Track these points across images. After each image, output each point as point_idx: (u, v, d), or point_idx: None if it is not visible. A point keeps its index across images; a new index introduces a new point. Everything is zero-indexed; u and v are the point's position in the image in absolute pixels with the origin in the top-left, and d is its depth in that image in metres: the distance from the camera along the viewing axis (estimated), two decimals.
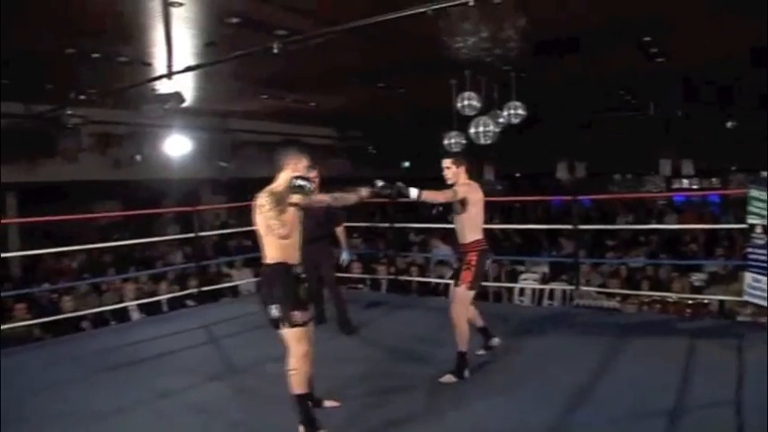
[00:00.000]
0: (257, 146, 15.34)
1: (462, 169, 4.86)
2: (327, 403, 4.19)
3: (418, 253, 11.43)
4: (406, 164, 20.98)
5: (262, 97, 11.53)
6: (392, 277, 8.99)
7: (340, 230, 6.47)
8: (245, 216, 6.82)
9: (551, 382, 4.53)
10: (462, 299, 4.74)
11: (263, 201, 3.69)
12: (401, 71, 9.68)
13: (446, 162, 4.88)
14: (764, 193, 5.33)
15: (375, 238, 13.34)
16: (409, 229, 12.92)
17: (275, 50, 5.61)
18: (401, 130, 17.00)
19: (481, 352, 5.05)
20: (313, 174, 4.48)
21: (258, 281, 3.86)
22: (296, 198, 3.72)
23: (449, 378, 4.62)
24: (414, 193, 4.41)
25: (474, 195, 4.77)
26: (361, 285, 9.29)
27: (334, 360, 5.00)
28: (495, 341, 5.15)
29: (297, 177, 3.72)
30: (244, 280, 9.57)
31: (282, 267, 3.74)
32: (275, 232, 3.65)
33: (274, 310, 3.67)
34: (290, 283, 3.74)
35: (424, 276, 9.48)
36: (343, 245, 6.51)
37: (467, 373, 4.67)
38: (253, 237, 7.18)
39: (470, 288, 4.72)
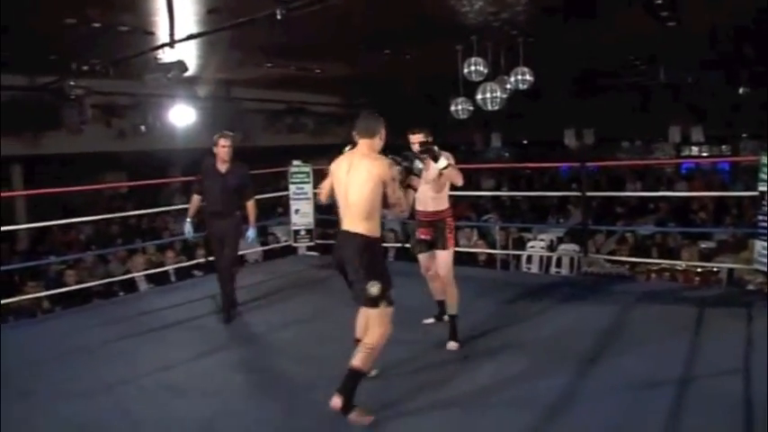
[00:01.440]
0: (262, 114, 15.28)
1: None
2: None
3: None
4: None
5: (266, 65, 11.41)
6: (399, 245, 9.00)
7: (251, 205, 6.06)
8: (257, 183, 6.82)
9: (559, 350, 4.55)
10: (450, 261, 4.83)
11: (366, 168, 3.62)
12: (407, 37, 9.55)
13: (419, 137, 4.79)
14: None
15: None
16: None
17: (278, 17, 5.52)
18: (408, 96, 16.84)
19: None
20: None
21: (339, 248, 3.68)
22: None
23: (453, 345, 4.70)
24: (442, 162, 4.53)
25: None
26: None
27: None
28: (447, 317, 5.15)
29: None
30: (250, 249, 9.60)
31: (380, 242, 3.72)
32: (391, 202, 3.62)
33: (374, 288, 3.53)
34: (385, 260, 3.84)
35: None
36: (251, 222, 6.12)
37: (455, 343, 4.77)
38: (263, 205, 7.07)
39: (452, 248, 4.87)
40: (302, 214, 8.66)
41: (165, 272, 8.50)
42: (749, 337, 4.62)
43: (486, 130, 18.83)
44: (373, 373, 3.98)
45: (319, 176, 8.94)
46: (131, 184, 13.54)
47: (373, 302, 3.55)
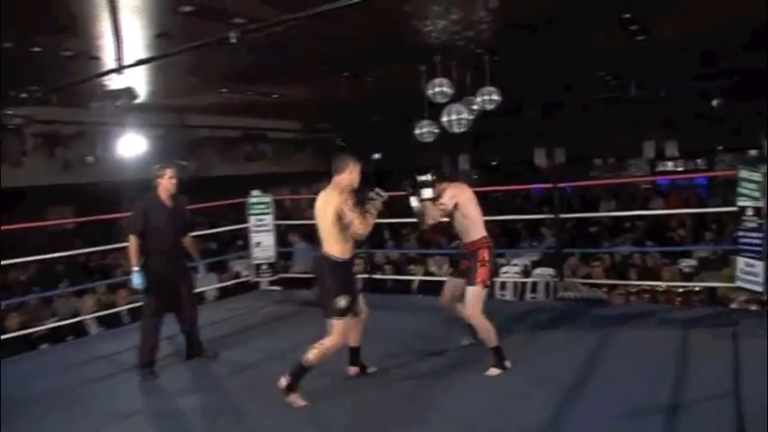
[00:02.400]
0: (218, 142, 15.19)
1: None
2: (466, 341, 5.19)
3: (393, 249, 11.39)
4: (377, 155, 20.94)
5: (220, 91, 11.37)
6: (367, 276, 8.93)
7: (190, 240, 5.79)
8: (212, 216, 6.68)
9: (540, 380, 4.51)
10: (477, 298, 4.83)
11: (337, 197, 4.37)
12: (368, 58, 9.60)
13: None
14: (755, 174, 5.36)
15: None
16: (383, 224, 12.88)
17: (233, 40, 5.49)
18: (370, 120, 16.91)
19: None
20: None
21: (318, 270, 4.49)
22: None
23: (494, 372, 4.72)
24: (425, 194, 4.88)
25: (463, 195, 5.00)
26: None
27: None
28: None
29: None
30: (210, 286, 9.42)
31: (348, 263, 4.46)
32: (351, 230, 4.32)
33: (342, 302, 4.28)
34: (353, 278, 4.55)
35: (400, 274, 9.45)
36: (194, 256, 5.88)
37: (508, 363, 4.77)
38: (220, 239, 7.02)
39: (485, 286, 4.85)
40: (263, 247, 8.55)
41: (117, 313, 8.29)
42: (737, 357, 4.65)
43: (453, 153, 18.98)
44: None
45: (280, 207, 8.86)
46: (78, 219, 13.25)
47: (340, 314, 4.29)
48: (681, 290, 7.69)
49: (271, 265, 8.56)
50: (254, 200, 8.63)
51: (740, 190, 5.56)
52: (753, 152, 16.16)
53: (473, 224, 4.96)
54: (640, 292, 7.88)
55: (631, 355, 4.87)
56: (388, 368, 5.01)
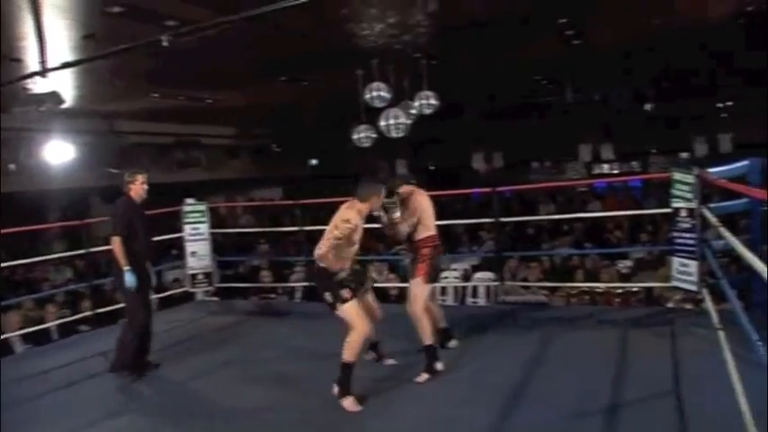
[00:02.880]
0: (149, 149, 14.84)
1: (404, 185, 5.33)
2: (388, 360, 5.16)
3: None
4: (313, 162, 20.87)
5: (152, 95, 11.11)
6: (307, 284, 8.86)
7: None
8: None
9: (481, 384, 4.55)
10: (418, 292, 4.96)
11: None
12: (304, 62, 9.54)
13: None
14: (687, 176, 5.55)
15: (285, 243, 13.15)
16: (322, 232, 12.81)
17: (165, 43, 5.37)
18: (306, 125, 16.83)
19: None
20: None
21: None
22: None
23: (423, 377, 4.74)
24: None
25: (423, 201, 5.27)
26: (273, 295, 9.13)
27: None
28: (453, 343, 5.39)
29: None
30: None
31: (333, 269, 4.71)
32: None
33: (328, 297, 4.59)
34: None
35: None
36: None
37: (439, 366, 4.83)
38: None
39: (426, 281, 4.98)
40: (199, 257, 8.38)
41: (46, 329, 7.99)
42: (675, 356, 4.79)
43: (391, 158, 19.06)
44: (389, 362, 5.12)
45: (216, 215, 8.71)
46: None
47: (332, 306, 4.59)
48: (619, 291, 7.90)
49: (207, 275, 8.40)
50: (188, 208, 8.46)
51: (674, 192, 5.74)
52: (684, 155, 16.77)
53: (425, 226, 5.15)
54: (580, 294, 8.06)
55: (572, 357, 4.96)
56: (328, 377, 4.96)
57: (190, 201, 8.51)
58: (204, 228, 8.39)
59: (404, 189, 5.25)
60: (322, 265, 4.63)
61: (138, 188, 5.64)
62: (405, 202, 5.18)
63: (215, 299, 8.72)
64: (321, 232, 4.61)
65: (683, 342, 5.08)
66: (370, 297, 4.99)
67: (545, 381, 4.55)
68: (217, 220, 10.16)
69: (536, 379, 4.60)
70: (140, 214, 5.64)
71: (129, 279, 5.40)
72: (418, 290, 4.99)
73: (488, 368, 4.90)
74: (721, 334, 4.33)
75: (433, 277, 5.09)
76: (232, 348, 6.12)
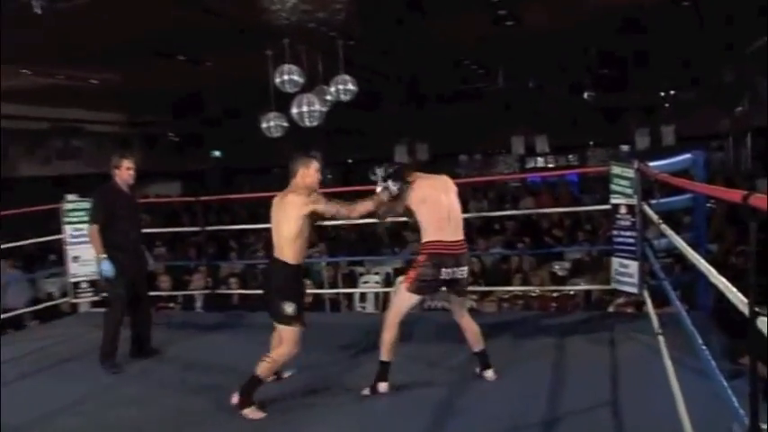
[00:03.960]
0: (21, 136, 14.27)
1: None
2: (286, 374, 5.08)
3: (238, 261, 11.18)
4: (217, 153, 20.56)
5: (24, 72, 10.66)
6: (209, 291, 8.69)
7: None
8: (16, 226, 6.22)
9: (411, 399, 4.55)
10: (396, 300, 4.86)
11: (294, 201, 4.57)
12: (206, 40, 9.37)
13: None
14: (627, 170, 5.70)
15: (184, 245, 12.87)
16: (227, 232, 12.63)
17: (37, 10, 5.15)
18: (209, 111, 16.54)
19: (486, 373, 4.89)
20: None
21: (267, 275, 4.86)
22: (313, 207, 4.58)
23: (367, 391, 4.66)
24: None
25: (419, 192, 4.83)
26: (172, 304, 8.91)
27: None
28: (490, 374, 4.87)
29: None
30: (22, 309, 8.79)
31: (300, 268, 4.70)
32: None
33: (289, 308, 4.49)
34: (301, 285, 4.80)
35: (247, 288, 9.28)
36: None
37: (382, 387, 4.67)
38: (25, 254, 6.54)
39: (409, 289, 4.72)
40: (83, 262, 8.06)
41: None
42: (614, 363, 4.91)
43: (304, 149, 18.92)
44: (287, 374, 5.05)
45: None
46: None
47: (287, 321, 4.51)
48: (555, 294, 8.07)
49: (92, 284, 8.11)
50: (69, 206, 8.13)
51: (613, 187, 5.89)
52: (625, 147, 17.35)
53: (422, 228, 4.85)
54: (513, 299, 8.19)
55: (505, 366, 5.01)
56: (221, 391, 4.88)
57: (71, 197, 8.20)
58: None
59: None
60: (289, 261, 4.58)
61: (123, 174, 5.92)
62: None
63: (102, 310, 8.44)
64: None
65: (622, 349, 5.22)
66: None
67: (477, 392, 4.59)
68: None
69: (467, 390, 4.64)
70: (126, 201, 5.95)
71: (105, 268, 5.72)
72: (397, 297, 4.90)
73: (416, 380, 4.90)
74: (662, 339, 4.47)
75: (420, 288, 4.73)
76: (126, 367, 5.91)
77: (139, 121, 17.26)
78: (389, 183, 4.74)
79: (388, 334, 4.70)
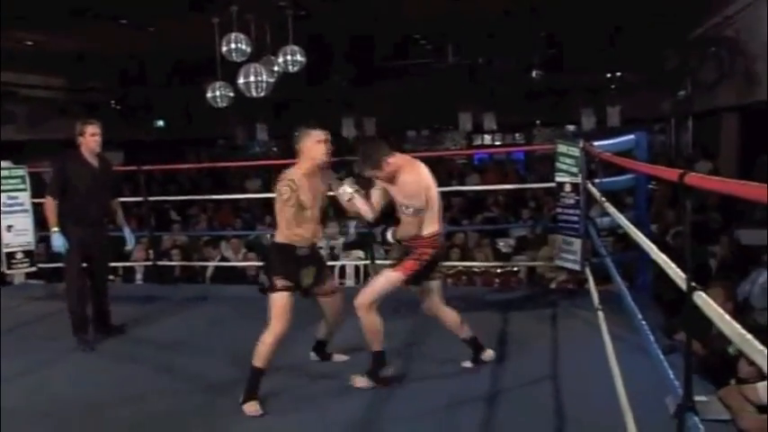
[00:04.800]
0: None
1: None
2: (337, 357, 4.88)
3: (181, 233, 11.05)
4: (160, 123, 20.19)
5: None
6: (150, 263, 8.58)
7: (117, 204, 5.98)
8: None
9: (353, 374, 4.54)
10: (378, 284, 4.41)
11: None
12: (150, 4, 9.17)
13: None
14: (573, 149, 5.80)
15: (127, 215, 12.67)
16: (168, 203, 12.46)
17: None
18: (153, 78, 16.23)
19: (467, 364, 4.63)
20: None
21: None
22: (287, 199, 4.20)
23: (361, 381, 4.36)
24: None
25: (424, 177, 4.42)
26: (111, 276, 8.76)
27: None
28: (488, 354, 4.66)
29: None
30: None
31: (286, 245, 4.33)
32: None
33: (263, 279, 4.46)
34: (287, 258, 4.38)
35: (188, 260, 9.19)
36: (124, 223, 6.04)
37: (389, 371, 4.40)
38: None
39: (402, 279, 4.34)
40: (17, 231, 7.85)
41: None
42: (555, 339, 5.02)
43: (249, 121, 18.78)
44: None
45: (37, 181, 8.23)
46: None
47: (263, 291, 4.40)
48: (499, 271, 8.19)
49: (27, 254, 7.92)
50: (4, 173, 7.93)
51: (558, 165, 5.98)
52: (571, 127, 17.59)
53: (425, 218, 4.42)
54: (457, 274, 8.27)
55: (447, 343, 5.04)
56: (173, 370, 4.83)
57: (5, 164, 7.98)
58: (24, 197, 7.87)
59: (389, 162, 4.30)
60: (277, 240, 4.34)
61: (88, 141, 5.59)
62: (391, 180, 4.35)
63: (38, 282, 8.26)
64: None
65: (564, 324, 5.33)
66: (329, 286, 4.55)
67: (417, 368, 4.63)
68: (41, 188, 9.60)
69: (408, 366, 4.67)
70: (89, 172, 5.57)
71: (57, 242, 5.45)
72: (381, 280, 4.40)
73: (356, 357, 4.90)
74: (601, 315, 4.57)
75: (414, 278, 4.39)
76: (63, 341, 5.79)
77: (80, 88, 16.83)
78: (345, 185, 4.44)
79: (370, 320, 4.34)
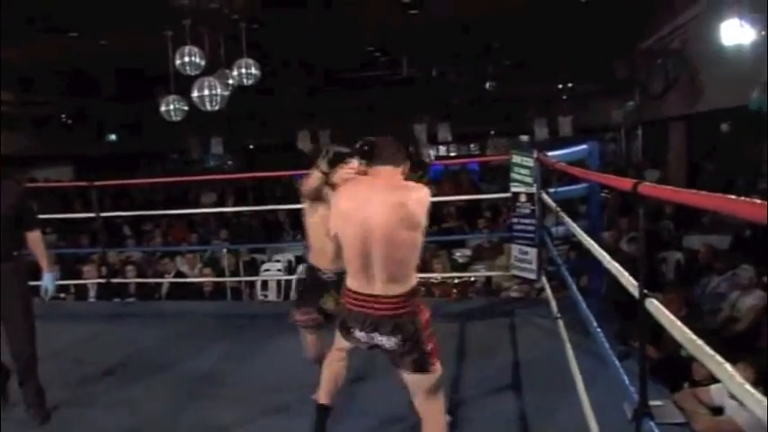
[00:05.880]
0: None
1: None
2: None
3: (135, 248, 10.91)
4: (112, 137, 19.92)
5: None
6: (104, 280, 8.43)
7: (37, 239, 4.40)
8: None
9: (306, 391, 4.49)
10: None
11: None
12: (101, 16, 9.06)
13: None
14: (527, 159, 5.87)
15: (76, 232, 12.45)
16: (121, 218, 12.28)
17: None
18: (105, 93, 16.01)
19: None
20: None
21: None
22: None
23: None
24: None
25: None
26: (63, 294, 8.60)
27: None
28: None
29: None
30: None
31: (312, 269, 4.16)
32: None
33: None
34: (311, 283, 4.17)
35: (143, 276, 9.08)
36: (45, 264, 4.44)
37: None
38: None
39: None
40: None
41: None
42: (515, 347, 5.05)
43: (204, 134, 18.63)
44: None
45: None
46: None
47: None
48: (456, 281, 8.23)
49: None
50: None
51: (513, 176, 6.05)
52: (524, 137, 17.80)
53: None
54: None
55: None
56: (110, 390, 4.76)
57: None
58: None
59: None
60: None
61: None
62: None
63: None
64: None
65: (523, 333, 5.38)
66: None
67: (375, 380, 4.60)
68: None
69: (365, 378, 4.64)
70: None
71: None
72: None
73: (306, 371, 4.81)
74: (560, 323, 4.63)
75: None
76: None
77: (28, 101, 16.52)
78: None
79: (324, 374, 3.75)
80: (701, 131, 13.24)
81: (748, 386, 1.62)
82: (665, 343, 4.41)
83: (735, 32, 8.67)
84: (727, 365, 1.72)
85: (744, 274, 6.70)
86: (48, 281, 4.39)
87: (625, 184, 2.48)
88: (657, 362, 4.52)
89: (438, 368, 3.22)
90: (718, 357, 1.77)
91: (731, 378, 1.69)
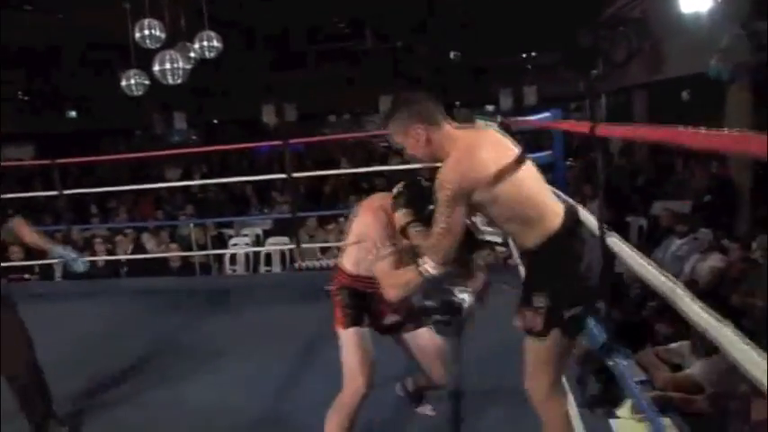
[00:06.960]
0: None
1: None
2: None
3: (101, 225, 10.81)
4: (73, 113, 19.63)
5: None
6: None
7: (21, 224, 4.03)
8: None
9: (274, 363, 4.51)
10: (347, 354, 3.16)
11: None
12: None
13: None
14: (491, 124, 5.89)
15: (39, 211, 12.29)
16: (87, 196, 12.15)
17: None
18: (64, 69, 15.75)
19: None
20: None
21: None
22: None
23: None
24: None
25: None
26: (27, 275, 8.52)
27: None
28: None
29: None
30: None
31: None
32: None
33: None
34: None
35: (112, 253, 9.02)
36: (42, 242, 4.04)
37: None
38: None
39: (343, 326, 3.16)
40: None
41: None
42: (485, 319, 5.09)
43: (166, 110, 18.45)
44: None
45: None
46: None
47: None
48: None
49: None
50: None
51: None
52: (489, 107, 17.86)
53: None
54: None
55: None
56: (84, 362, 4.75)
57: None
58: None
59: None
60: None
61: None
62: None
63: None
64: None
65: (494, 300, 5.42)
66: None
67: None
68: None
69: (325, 351, 4.55)
70: None
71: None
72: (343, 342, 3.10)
73: (282, 346, 4.84)
74: None
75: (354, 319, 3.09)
76: None
77: None
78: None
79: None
80: (663, 99, 13.40)
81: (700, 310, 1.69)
82: (627, 304, 4.52)
83: (692, 0, 8.77)
84: (687, 297, 1.80)
85: (703, 238, 6.91)
86: (58, 253, 3.94)
87: (583, 127, 2.56)
88: (621, 324, 4.62)
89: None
90: (680, 290, 1.84)
91: (684, 301, 1.76)
